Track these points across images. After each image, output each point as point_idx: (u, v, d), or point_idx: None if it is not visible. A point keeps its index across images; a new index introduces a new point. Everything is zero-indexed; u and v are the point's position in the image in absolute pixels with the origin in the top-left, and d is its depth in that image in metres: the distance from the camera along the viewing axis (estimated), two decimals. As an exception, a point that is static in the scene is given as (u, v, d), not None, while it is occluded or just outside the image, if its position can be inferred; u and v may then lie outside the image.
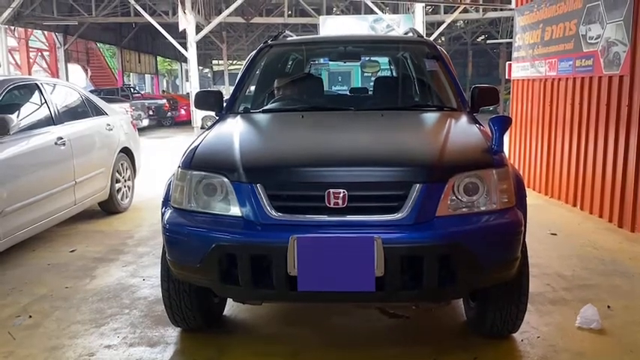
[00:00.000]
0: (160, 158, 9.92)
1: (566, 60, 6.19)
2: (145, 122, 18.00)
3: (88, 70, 28.77)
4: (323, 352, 2.88)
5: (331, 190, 2.36)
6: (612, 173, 5.28)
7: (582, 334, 3.02)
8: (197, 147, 2.75)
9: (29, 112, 4.79)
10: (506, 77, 8.39)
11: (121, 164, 6.01)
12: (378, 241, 2.28)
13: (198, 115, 17.32)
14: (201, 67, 36.98)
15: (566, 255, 4.36)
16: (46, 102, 4.93)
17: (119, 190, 5.96)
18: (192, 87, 17.52)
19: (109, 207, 5.88)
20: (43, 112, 4.87)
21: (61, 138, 4.83)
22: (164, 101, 20.84)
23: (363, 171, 2.47)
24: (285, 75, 4.30)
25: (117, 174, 5.88)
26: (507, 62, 8.40)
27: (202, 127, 16.38)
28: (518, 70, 7.66)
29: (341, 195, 2.36)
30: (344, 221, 2.38)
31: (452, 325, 3.20)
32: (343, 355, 2.85)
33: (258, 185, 2.42)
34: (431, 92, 3.84)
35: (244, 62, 4.10)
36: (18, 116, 4.50)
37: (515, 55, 7.82)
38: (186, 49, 16.92)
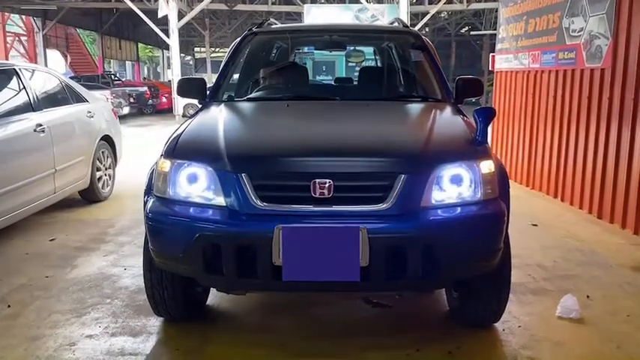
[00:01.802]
0: (142, 146, 9.81)
1: (549, 52, 6.23)
2: (126, 110, 17.74)
3: (68, 56, 28.24)
4: (308, 341, 2.89)
5: (317, 180, 2.35)
6: (593, 165, 5.35)
7: (562, 323, 3.07)
8: (180, 135, 2.71)
9: (7, 98, 4.67)
10: (490, 69, 8.43)
11: (102, 152, 5.92)
12: (363, 231, 2.28)
13: (180, 102, 17.16)
14: (183, 55, 36.57)
15: (547, 246, 4.42)
16: (24, 88, 4.82)
17: (100, 178, 5.88)
18: (174, 74, 17.34)
19: (89, 195, 5.81)
20: (22, 99, 4.77)
21: (41, 125, 4.73)
22: (145, 89, 20.59)
23: (348, 161, 2.46)
24: (270, 63, 4.26)
25: (97, 162, 5.79)
26: (491, 54, 8.44)
27: (184, 116, 16.25)
28: (502, 61, 7.70)
29: (326, 185, 2.35)
30: (329, 211, 2.37)
31: (434, 314, 3.23)
32: (328, 344, 2.86)
33: (243, 175, 2.40)
34: (416, 83, 3.84)
35: (228, 50, 4.05)
36: (-5, 102, 4.41)
37: (498, 46, 7.86)
38: (168, 36, 16.71)
